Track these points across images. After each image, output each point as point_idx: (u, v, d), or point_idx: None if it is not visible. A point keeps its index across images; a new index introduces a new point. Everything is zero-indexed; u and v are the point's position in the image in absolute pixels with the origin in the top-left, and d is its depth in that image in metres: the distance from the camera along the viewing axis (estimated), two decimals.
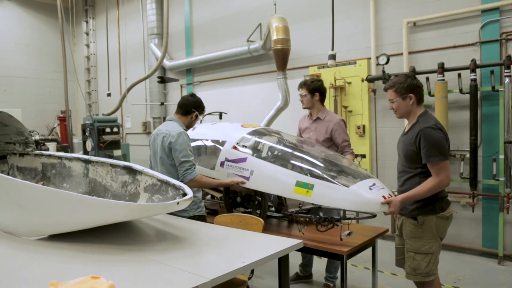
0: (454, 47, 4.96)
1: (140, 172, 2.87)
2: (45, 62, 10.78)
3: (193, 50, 8.32)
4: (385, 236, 5.41)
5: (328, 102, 5.99)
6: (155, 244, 2.32)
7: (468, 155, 4.73)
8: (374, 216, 2.92)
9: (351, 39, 5.85)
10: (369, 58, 5.63)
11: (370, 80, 5.51)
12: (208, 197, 4.11)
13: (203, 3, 8.06)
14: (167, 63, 8.34)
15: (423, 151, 2.56)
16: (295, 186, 2.81)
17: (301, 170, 2.97)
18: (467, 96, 4.70)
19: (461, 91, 4.73)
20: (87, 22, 10.92)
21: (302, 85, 3.78)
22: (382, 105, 5.59)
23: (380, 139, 5.64)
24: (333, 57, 5.43)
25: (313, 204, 3.42)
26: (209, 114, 5.59)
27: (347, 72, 5.81)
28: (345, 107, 5.81)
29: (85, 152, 6.74)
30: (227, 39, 7.57)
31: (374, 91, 5.56)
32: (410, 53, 5.27)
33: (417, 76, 4.95)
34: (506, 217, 4.60)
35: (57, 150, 7.69)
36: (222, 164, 3.30)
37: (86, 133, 6.77)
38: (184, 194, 2.35)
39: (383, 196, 2.63)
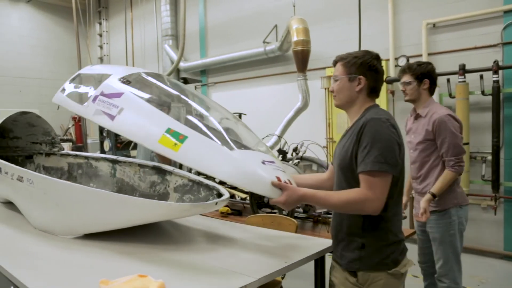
0: (475, 48, 4.94)
1: (170, 173, 2.88)
2: (60, 64, 10.88)
3: (207, 51, 8.35)
4: None
5: None
6: (193, 244, 2.31)
7: (489, 157, 4.69)
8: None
9: (369, 40, 5.83)
10: (387, 60, 5.61)
11: (389, 81, 5.49)
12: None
13: (218, 4, 8.09)
14: (181, 64, 8.37)
15: None
16: (163, 134, 2.09)
17: (179, 117, 2.31)
18: (489, 98, 4.68)
19: (483, 92, 4.70)
20: (100, 23, 11.01)
21: (405, 69, 2.89)
22: (401, 107, 5.57)
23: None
24: None
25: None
26: None
27: None
28: None
29: (103, 152, 6.79)
30: (241, 40, 7.59)
31: (392, 92, 5.54)
32: (429, 54, 5.26)
33: (438, 77, 4.99)
34: None
35: (72, 150, 7.74)
36: (95, 98, 2.54)
37: (104, 134, 6.81)
38: (219, 194, 2.36)
39: (278, 177, 1.88)
